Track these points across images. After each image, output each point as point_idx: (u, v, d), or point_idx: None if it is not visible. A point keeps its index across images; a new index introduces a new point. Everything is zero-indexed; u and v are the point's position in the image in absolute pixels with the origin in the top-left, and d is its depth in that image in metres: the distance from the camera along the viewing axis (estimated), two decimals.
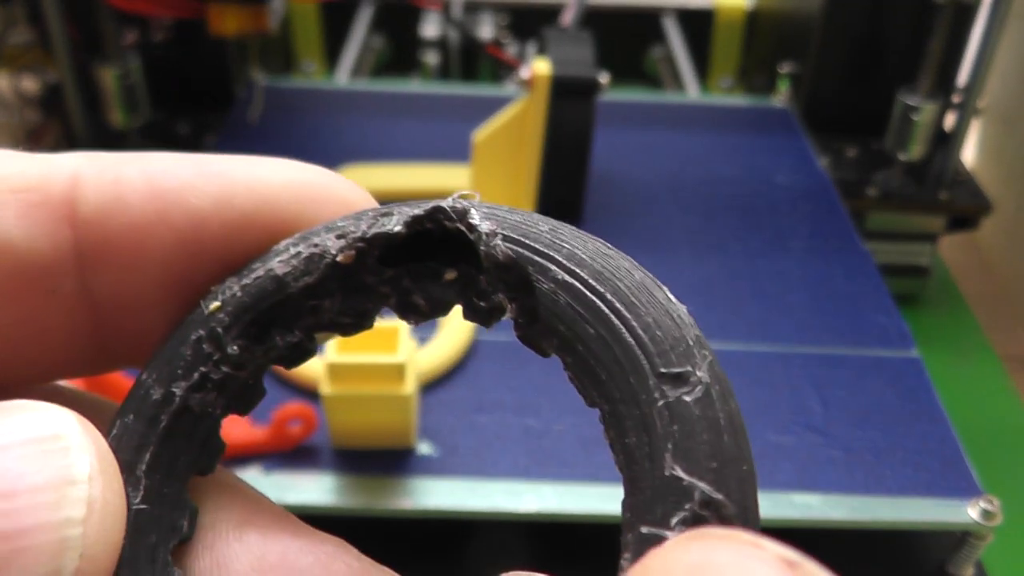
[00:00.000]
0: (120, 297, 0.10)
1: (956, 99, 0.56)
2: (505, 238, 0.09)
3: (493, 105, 0.48)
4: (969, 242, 0.67)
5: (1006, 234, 0.64)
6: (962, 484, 0.33)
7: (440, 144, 0.52)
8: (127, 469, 0.10)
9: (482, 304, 0.10)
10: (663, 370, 0.08)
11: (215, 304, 0.10)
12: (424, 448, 0.34)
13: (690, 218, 0.47)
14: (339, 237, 0.09)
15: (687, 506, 0.08)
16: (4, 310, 0.10)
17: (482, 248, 0.09)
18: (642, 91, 0.72)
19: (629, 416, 0.08)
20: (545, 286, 0.09)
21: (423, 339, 0.38)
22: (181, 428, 0.10)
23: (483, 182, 0.46)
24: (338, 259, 0.09)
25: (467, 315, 0.10)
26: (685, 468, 0.08)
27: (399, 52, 0.75)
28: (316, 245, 0.10)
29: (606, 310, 0.08)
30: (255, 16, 0.52)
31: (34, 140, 0.60)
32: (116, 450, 0.10)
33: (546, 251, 0.09)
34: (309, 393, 0.36)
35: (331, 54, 0.73)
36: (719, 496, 0.08)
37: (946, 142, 0.55)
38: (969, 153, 0.69)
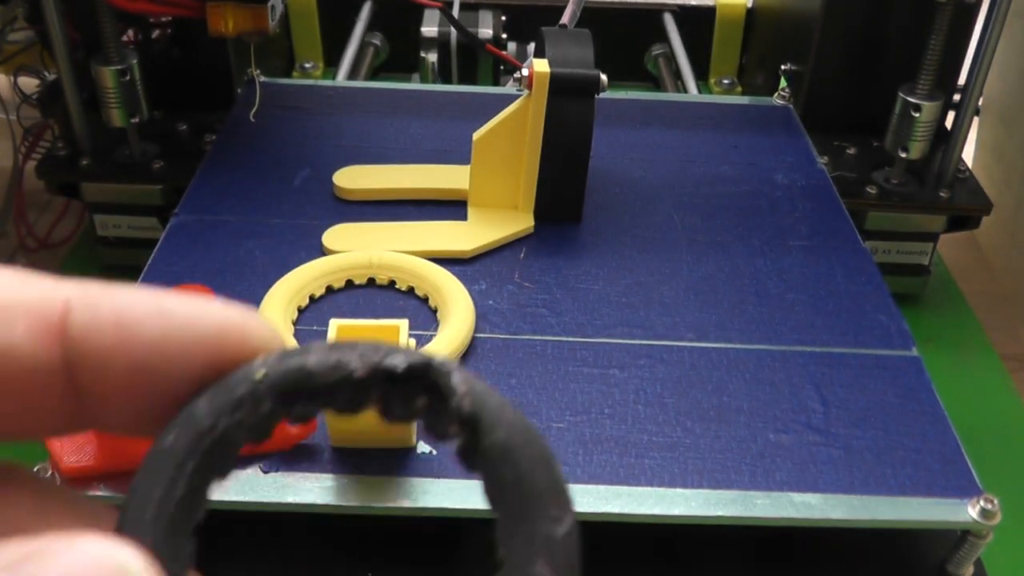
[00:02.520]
0: (96, 392, 0.14)
1: (957, 98, 0.56)
2: (471, 400, 0.14)
3: (493, 104, 0.48)
4: (969, 241, 0.67)
5: (1006, 234, 0.64)
6: (962, 483, 0.33)
7: (440, 143, 0.52)
8: (179, 467, 0.13)
9: (438, 428, 0.14)
10: (551, 512, 0.13)
11: (262, 372, 0.14)
12: (423, 448, 0.34)
13: (690, 217, 0.47)
14: (361, 357, 0.14)
15: None
16: (9, 399, 0.14)
17: (454, 401, 0.14)
18: (642, 90, 0.72)
19: (518, 532, 0.13)
20: (486, 439, 0.14)
21: (422, 339, 0.38)
22: (217, 449, 0.14)
23: (482, 181, 0.46)
24: (356, 374, 0.14)
25: (426, 429, 0.14)
26: (549, 569, 0.13)
27: (399, 51, 0.75)
28: (341, 358, 0.14)
29: (523, 467, 0.13)
30: (255, 15, 0.52)
31: (33, 139, 0.60)
32: (170, 451, 0.13)
33: (494, 416, 0.14)
34: None
35: (331, 53, 0.73)
36: None
37: (946, 141, 0.55)
38: (969, 152, 0.69)
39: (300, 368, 0.14)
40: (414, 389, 0.14)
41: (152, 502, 0.13)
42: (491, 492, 0.14)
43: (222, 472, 0.14)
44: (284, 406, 0.14)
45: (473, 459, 0.14)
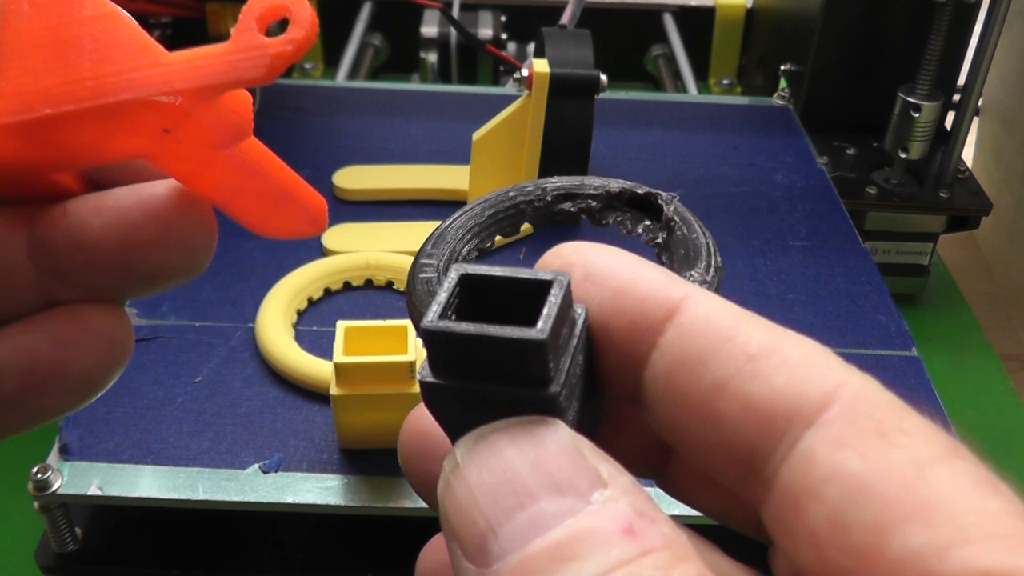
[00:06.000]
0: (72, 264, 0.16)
1: (957, 98, 0.56)
2: (675, 214, 0.20)
3: (493, 104, 0.48)
4: (969, 242, 0.67)
5: (1006, 234, 0.64)
6: None
7: (440, 144, 0.52)
8: (483, 211, 0.20)
9: (652, 236, 0.20)
10: (701, 265, 0.19)
11: (552, 184, 0.20)
12: None
13: None
14: (616, 183, 0.20)
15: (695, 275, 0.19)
16: None
17: (665, 214, 0.20)
18: (642, 90, 0.72)
19: (682, 274, 0.18)
20: (677, 232, 0.20)
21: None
22: (510, 212, 0.20)
23: (482, 181, 0.46)
24: (612, 189, 0.20)
25: (644, 239, 0.20)
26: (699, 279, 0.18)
27: (399, 51, 0.75)
28: (605, 183, 0.20)
29: (690, 246, 0.19)
30: None
31: None
32: (482, 202, 0.20)
33: (687, 223, 0.20)
34: (321, 398, 0.36)
35: (331, 53, 0.73)
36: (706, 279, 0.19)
37: (946, 141, 0.55)
38: (969, 152, 0.69)
39: (579, 181, 0.21)
40: (643, 213, 0.20)
41: (461, 226, 0.20)
42: (669, 263, 0.19)
43: (506, 232, 0.20)
44: (559, 201, 0.20)
45: (664, 251, 0.20)
